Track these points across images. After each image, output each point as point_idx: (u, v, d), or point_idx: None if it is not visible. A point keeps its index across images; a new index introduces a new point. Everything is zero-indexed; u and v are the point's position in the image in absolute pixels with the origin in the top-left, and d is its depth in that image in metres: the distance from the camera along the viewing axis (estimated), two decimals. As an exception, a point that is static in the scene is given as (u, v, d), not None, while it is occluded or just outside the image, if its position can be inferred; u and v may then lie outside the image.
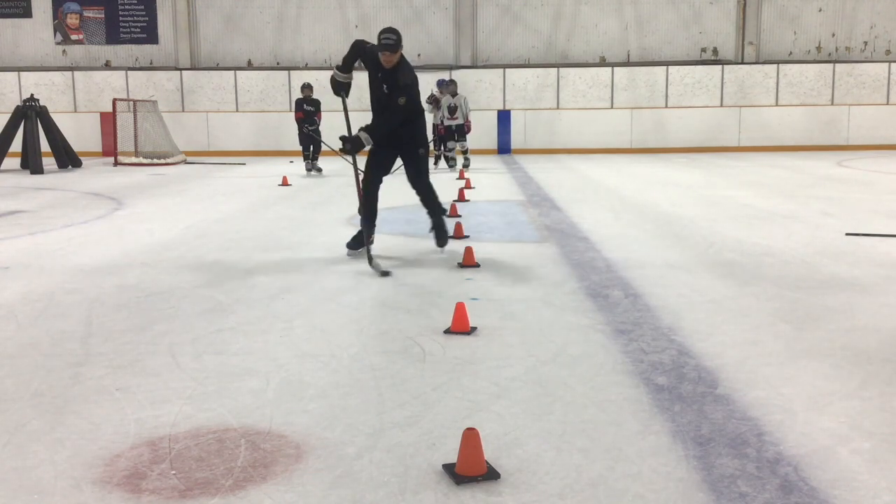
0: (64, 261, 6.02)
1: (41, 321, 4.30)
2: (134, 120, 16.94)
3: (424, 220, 6.38)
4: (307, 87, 14.31)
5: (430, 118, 15.31)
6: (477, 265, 5.61)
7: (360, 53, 5.88)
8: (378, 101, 5.89)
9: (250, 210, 9.07)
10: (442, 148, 14.81)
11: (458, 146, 14.50)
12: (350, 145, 5.82)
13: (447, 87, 14.59)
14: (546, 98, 19.77)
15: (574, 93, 19.61)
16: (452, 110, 14.40)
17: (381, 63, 5.74)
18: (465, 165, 14.33)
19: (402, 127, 5.89)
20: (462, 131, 14.48)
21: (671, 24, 19.86)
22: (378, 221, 6.14)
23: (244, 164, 16.67)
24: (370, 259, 5.63)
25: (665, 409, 2.93)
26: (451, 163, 14.56)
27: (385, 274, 5.32)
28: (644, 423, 2.81)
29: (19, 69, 20.19)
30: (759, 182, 11.79)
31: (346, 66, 5.91)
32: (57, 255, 6.29)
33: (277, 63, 19.94)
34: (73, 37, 20.29)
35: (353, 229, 7.43)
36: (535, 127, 19.58)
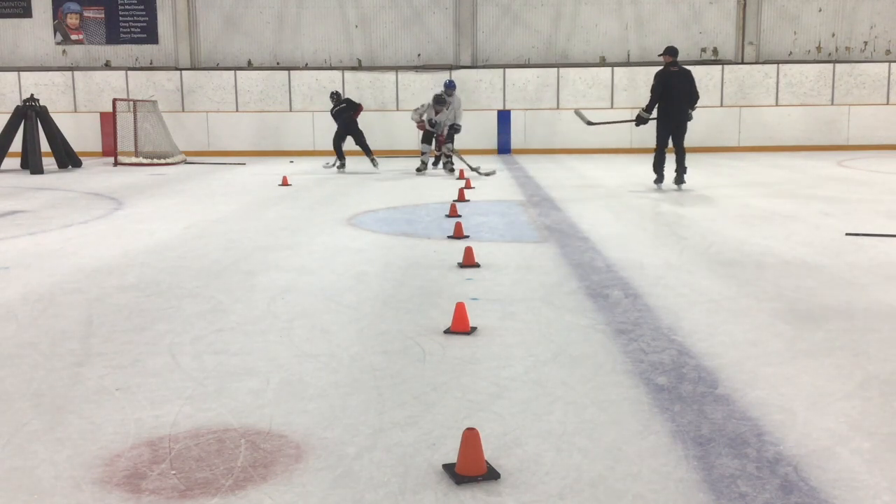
0: (64, 261, 6.02)
1: (41, 321, 4.30)
2: (134, 120, 16.92)
3: (425, 220, 6.37)
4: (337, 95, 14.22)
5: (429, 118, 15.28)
6: (477, 265, 5.61)
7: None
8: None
9: (250, 210, 9.07)
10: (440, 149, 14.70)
11: (444, 148, 14.24)
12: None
13: (449, 91, 14.26)
14: (546, 98, 19.76)
15: (574, 93, 19.60)
16: (432, 124, 14.12)
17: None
18: (451, 165, 14.08)
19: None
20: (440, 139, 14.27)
21: (671, 24, 19.84)
22: (378, 221, 6.14)
23: (244, 164, 16.66)
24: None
25: (665, 409, 2.93)
26: (448, 167, 14.47)
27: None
28: (644, 423, 2.81)
29: (19, 69, 20.17)
30: (759, 182, 11.79)
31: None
32: (57, 255, 6.29)
33: (277, 63, 19.92)
34: (73, 37, 20.28)
35: (352, 229, 7.43)
36: (535, 127, 19.56)
